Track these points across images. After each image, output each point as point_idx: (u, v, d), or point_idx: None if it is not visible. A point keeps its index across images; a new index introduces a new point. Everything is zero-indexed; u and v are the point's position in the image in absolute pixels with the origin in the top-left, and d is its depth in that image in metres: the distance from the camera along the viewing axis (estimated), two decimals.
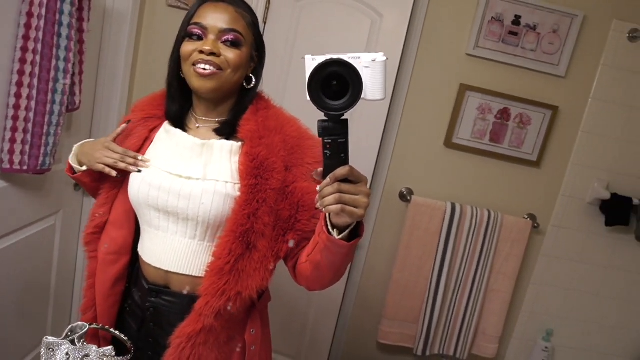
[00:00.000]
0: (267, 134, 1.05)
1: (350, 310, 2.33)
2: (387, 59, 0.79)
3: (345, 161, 0.78)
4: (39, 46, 1.44)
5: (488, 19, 2.09)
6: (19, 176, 1.58)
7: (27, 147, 1.50)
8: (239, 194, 1.02)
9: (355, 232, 0.86)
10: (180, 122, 1.12)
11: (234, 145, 1.06)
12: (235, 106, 1.11)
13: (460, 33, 2.11)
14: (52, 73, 1.50)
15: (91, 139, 1.21)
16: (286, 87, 2.06)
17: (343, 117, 0.76)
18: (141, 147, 1.13)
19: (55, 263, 1.93)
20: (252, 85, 1.11)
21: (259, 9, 2.06)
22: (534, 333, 2.38)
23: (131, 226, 1.14)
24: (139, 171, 1.08)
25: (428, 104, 2.16)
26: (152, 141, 1.14)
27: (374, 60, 0.77)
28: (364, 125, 2.08)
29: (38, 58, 1.44)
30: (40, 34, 1.43)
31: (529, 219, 2.21)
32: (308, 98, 0.75)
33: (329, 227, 0.85)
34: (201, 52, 1.01)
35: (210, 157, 1.05)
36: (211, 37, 1.03)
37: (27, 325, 1.82)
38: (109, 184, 1.13)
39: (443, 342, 2.26)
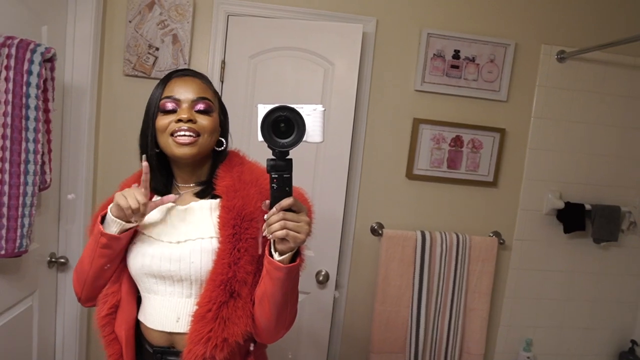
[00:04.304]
0: (243, 186, 1.13)
1: (338, 349, 2.35)
2: (325, 109, 0.94)
3: (289, 193, 0.91)
4: (8, 131, 1.46)
5: (430, 56, 2.24)
6: None
7: (4, 231, 1.49)
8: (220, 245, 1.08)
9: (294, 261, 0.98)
10: (166, 194, 1.20)
11: (212, 203, 1.14)
12: (210, 169, 1.20)
13: (407, 71, 2.26)
14: (23, 155, 1.52)
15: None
16: (250, 136, 2.12)
17: (288, 157, 0.90)
18: None
19: (35, 344, 1.88)
20: (222, 147, 1.20)
21: (214, 69, 2.15)
22: (515, 345, 2.47)
23: (135, 299, 1.19)
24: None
25: (386, 141, 2.28)
26: None
27: (314, 110, 0.91)
28: (329, 169, 2.17)
29: (8, 143, 1.46)
30: (9, 119, 1.46)
31: (494, 237, 2.34)
32: (260, 138, 0.89)
33: (272, 252, 0.96)
34: (179, 120, 1.09)
35: (193, 219, 1.13)
36: (185, 106, 1.11)
37: None
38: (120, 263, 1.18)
39: None
